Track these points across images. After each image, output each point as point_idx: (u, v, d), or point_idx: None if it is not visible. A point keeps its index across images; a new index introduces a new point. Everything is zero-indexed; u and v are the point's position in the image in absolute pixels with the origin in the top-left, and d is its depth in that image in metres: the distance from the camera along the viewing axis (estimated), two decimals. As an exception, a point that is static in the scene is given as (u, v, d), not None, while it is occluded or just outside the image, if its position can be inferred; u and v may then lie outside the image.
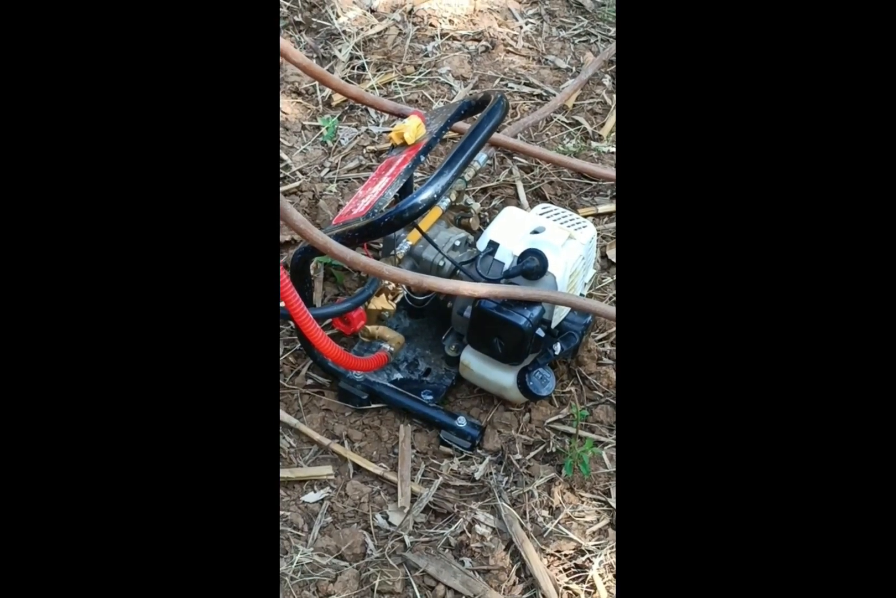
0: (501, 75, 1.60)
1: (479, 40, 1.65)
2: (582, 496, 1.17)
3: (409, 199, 1.05)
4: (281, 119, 1.47)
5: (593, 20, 1.71)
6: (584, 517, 1.15)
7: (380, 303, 1.20)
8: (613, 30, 1.67)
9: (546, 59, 1.64)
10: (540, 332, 1.14)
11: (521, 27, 1.68)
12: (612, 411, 1.25)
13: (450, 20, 1.67)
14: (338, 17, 1.62)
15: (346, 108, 1.53)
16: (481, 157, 1.27)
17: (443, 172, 1.06)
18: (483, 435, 1.24)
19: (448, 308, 1.23)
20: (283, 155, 1.44)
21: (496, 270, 1.14)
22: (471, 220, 1.27)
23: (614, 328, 1.32)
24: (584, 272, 1.20)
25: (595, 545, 1.12)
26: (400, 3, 1.68)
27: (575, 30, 1.70)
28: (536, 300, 1.12)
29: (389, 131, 1.24)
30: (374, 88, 1.53)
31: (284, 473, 1.18)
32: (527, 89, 1.59)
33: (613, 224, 1.44)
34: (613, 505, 1.17)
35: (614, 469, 1.20)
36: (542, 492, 1.18)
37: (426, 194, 1.05)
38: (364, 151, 1.47)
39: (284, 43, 1.14)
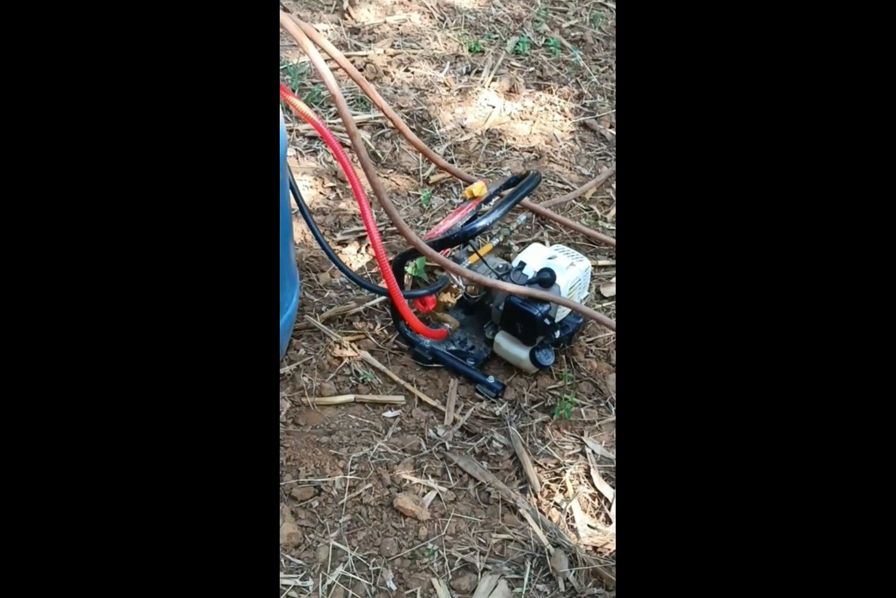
0: (543, 175, 1.98)
1: (531, 152, 2.02)
2: (564, 433, 1.43)
3: (469, 225, 1.37)
4: (395, 187, 1.87)
5: (610, 146, 2.06)
6: (564, 445, 1.41)
7: (446, 297, 1.50)
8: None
9: (575, 168, 2.00)
10: (546, 322, 1.39)
11: (560, 146, 2.05)
12: (591, 386, 1.50)
13: (513, 138, 2.07)
14: (439, 128, 2.01)
15: (439, 186, 1.88)
16: (521, 217, 1.62)
17: (492, 213, 1.38)
18: (504, 390, 1.47)
19: (490, 307, 1.49)
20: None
21: (522, 279, 1.41)
22: (511, 255, 1.59)
23: (599, 333, 1.58)
24: (580, 290, 1.48)
25: (569, 462, 1.38)
26: (481, 124, 2.09)
27: (597, 151, 2.04)
28: (546, 300, 1.37)
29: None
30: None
31: (373, 397, 1.43)
32: (559, 185, 1.94)
33: (608, 272, 1.72)
34: (584, 441, 1.41)
35: (587, 420, 1.45)
36: (538, 427, 1.43)
37: (480, 224, 1.37)
38: (446, 213, 1.84)
39: (403, 126, 1.54)
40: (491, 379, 1.48)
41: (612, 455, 1.41)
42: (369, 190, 1.36)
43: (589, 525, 1.32)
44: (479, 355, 1.52)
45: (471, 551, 1.28)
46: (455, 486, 1.35)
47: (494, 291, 1.46)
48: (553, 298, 1.39)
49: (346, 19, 2.31)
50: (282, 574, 1.22)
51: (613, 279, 1.71)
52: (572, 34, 2.38)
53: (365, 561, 1.25)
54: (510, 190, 1.47)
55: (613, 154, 2.03)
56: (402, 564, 1.25)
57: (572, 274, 1.44)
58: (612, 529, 1.32)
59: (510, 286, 1.39)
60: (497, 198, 1.49)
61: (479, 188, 1.47)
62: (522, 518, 1.32)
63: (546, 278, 1.41)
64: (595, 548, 1.29)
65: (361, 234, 1.72)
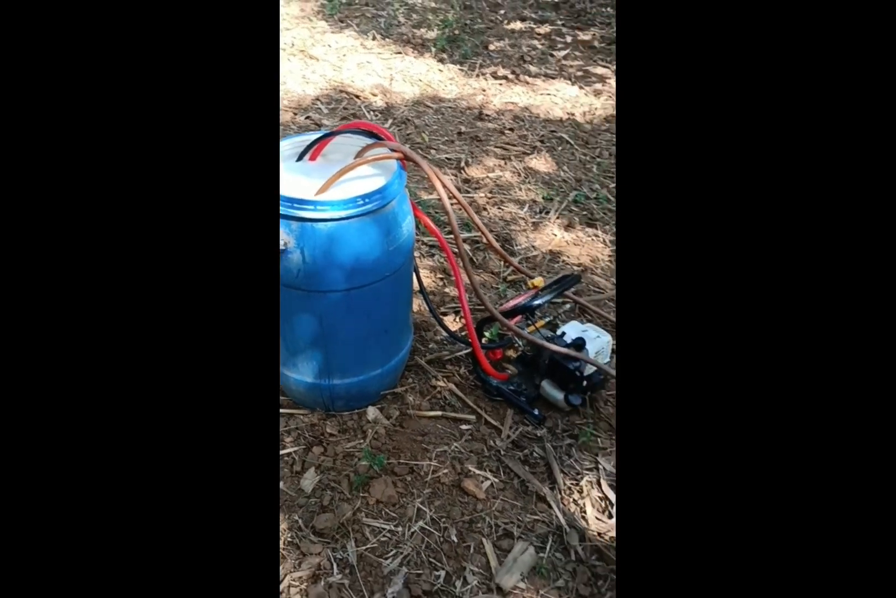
0: (585, 282, 2.20)
1: (579, 267, 2.24)
2: (584, 454, 1.54)
3: (529, 302, 1.58)
4: (483, 282, 2.14)
5: None
6: (583, 461, 1.53)
7: (510, 352, 1.71)
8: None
9: (610, 279, 2.20)
10: (577, 374, 1.53)
11: (600, 264, 2.26)
12: (607, 425, 1.61)
13: (568, 256, 2.30)
14: (516, 246, 2.29)
15: (513, 283, 2.07)
16: (567, 306, 1.83)
17: (545, 296, 1.58)
18: (544, 420, 1.58)
19: (539, 362, 1.65)
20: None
21: (562, 343, 1.59)
22: (556, 329, 1.80)
23: (615, 389, 1.73)
24: (603, 355, 1.63)
25: (585, 473, 1.50)
26: (546, 246, 2.34)
27: None
28: (578, 359, 1.53)
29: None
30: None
31: (454, 414, 1.59)
32: (597, 289, 2.12)
33: None
34: (598, 460, 1.55)
35: (601, 446, 1.57)
36: (566, 447, 1.55)
37: (536, 302, 1.54)
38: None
39: (491, 239, 1.80)
40: (536, 411, 1.62)
41: (617, 471, 1.54)
42: (465, 281, 1.62)
43: (596, 517, 1.45)
44: (530, 395, 1.66)
45: (511, 523, 1.42)
46: (504, 479, 1.50)
47: (543, 350, 1.64)
48: (583, 357, 1.56)
49: (461, 173, 2.69)
50: (381, 522, 1.40)
51: (629, 353, 1.88)
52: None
53: (438, 520, 1.41)
54: (559, 283, 1.71)
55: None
56: (463, 526, 1.41)
57: (598, 343, 1.62)
58: (613, 521, 1.44)
59: (554, 347, 1.57)
60: (550, 287, 1.73)
61: (538, 281, 1.71)
62: (549, 507, 1.45)
63: (579, 343, 1.60)
64: (599, 533, 1.41)
65: (456, 309, 1.98)
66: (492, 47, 3.91)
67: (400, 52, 3.79)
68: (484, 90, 3.42)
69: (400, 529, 1.39)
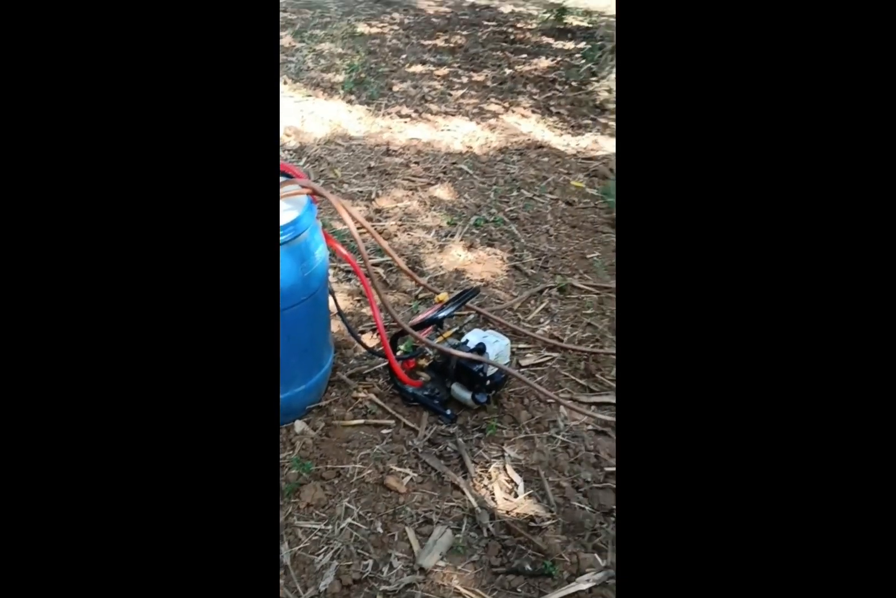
0: (486, 295, 2.36)
1: (482, 282, 2.37)
2: (491, 444, 1.66)
3: (435, 314, 1.72)
4: (397, 301, 2.26)
5: (530, 279, 2.46)
6: (491, 451, 1.65)
7: (422, 361, 1.81)
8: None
9: (508, 291, 2.36)
10: (481, 375, 1.63)
11: (499, 279, 2.42)
12: (510, 417, 1.74)
13: (471, 273, 2.46)
14: (426, 267, 2.43)
15: (424, 299, 2.20)
16: (471, 316, 1.98)
17: (449, 308, 1.72)
18: (456, 418, 1.68)
19: (448, 367, 1.77)
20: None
21: (466, 349, 1.68)
22: (461, 338, 1.95)
23: (515, 386, 1.81)
24: (503, 357, 1.75)
25: (493, 461, 1.62)
26: (452, 265, 2.48)
27: (522, 282, 2.36)
28: (481, 361, 1.64)
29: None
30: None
31: (375, 421, 1.68)
32: (497, 300, 2.28)
33: (523, 351, 1.98)
34: (504, 449, 1.70)
35: (506, 437, 1.70)
36: (476, 440, 1.67)
37: (441, 314, 1.68)
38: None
39: (401, 263, 1.94)
40: (448, 411, 1.72)
41: (521, 457, 1.68)
42: (378, 301, 1.74)
43: (504, 498, 1.58)
44: (442, 397, 1.75)
45: (430, 511, 1.53)
46: (422, 473, 1.60)
47: (451, 356, 1.76)
48: (485, 360, 1.70)
49: (372, 203, 2.83)
50: (312, 522, 1.48)
51: (527, 355, 2.04)
52: (511, 215, 2.84)
53: (364, 516, 1.50)
54: (460, 297, 1.86)
55: (532, 284, 2.36)
56: (387, 518, 1.51)
57: (497, 346, 1.76)
58: (518, 500, 1.57)
59: (459, 353, 1.70)
60: (453, 301, 1.88)
61: (443, 296, 1.85)
62: (463, 493, 1.56)
63: (480, 348, 1.73)
64: (507, 511, 1.55)
65: (373, 327, 2.09)
66: (395, 88, 4.11)
67: (310, 95, 3.92)
68: (390, 128, 3.60)
69: (330, 527, 1.47)
